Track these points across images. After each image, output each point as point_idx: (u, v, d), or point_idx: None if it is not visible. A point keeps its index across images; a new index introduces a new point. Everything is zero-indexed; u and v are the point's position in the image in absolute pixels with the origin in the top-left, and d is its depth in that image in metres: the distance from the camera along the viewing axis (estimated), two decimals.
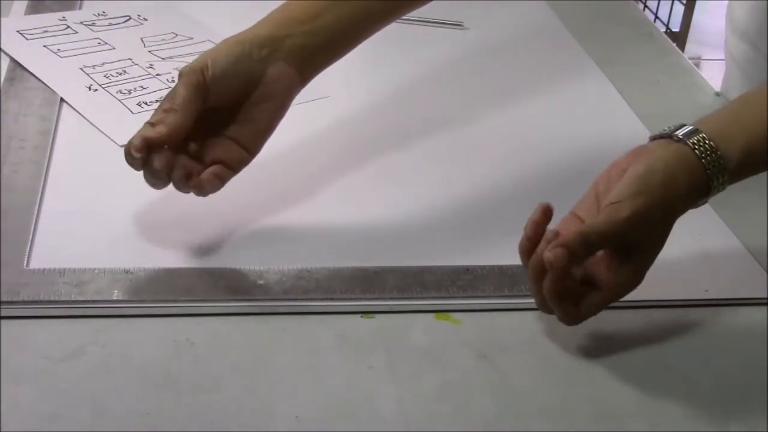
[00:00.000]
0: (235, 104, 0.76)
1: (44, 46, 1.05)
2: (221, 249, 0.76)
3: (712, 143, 0.68)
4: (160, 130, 0.71)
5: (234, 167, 0.76)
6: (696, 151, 0.68)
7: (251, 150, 0.77)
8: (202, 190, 0.74)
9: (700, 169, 0.68)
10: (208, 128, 0.75)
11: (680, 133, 0.69)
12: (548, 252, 0.65)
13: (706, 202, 0.71)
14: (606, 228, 0.66)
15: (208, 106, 0.74)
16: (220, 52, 0.75)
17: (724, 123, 0.70)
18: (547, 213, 0.68)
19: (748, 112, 0.71)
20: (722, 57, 1.09)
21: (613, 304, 0.73)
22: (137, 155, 0.71)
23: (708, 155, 0.68)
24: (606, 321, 0.72)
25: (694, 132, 0.69)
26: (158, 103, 0.94)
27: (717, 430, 0.64)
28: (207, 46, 1.07)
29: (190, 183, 0.73)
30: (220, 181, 0.75)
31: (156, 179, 0.73)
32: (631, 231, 0.66)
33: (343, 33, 0.79)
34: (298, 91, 0.79)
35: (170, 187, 0.80)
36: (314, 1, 0.78)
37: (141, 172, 0.72)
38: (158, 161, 0.71)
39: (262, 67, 0.75)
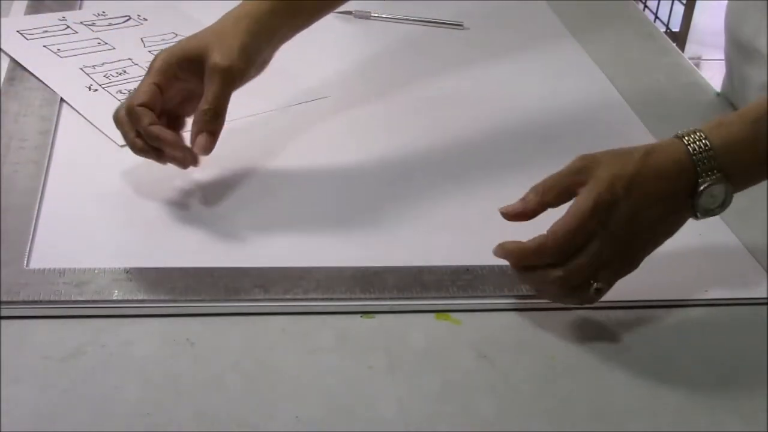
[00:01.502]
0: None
1: (44, 46, 1.05)
2: (221, 249, 0.76)
3: (700, 134, 0.69)
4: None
5: None
6: (683, 139, 0.69)
7: None
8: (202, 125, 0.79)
9: (681, 148, 0.68)
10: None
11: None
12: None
13: (703, 203, 0.69)
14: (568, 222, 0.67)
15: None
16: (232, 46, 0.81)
17: (716, 124, 0.70)
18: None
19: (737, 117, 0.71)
20: (722, 57, 1.09)
21: (613, 304, 0.73)
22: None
23: (689, 135, 0.69)
24: (606, 320, 0.72)
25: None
26: None
27: (717, 429, 0.64)
28: None
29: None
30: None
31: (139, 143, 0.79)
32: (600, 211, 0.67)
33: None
34: None
35: (172, 188, 0.80)
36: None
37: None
38: (146, 117, 0.78)
39: (271, 52, 0.86)
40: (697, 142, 0.68)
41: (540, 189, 0.70)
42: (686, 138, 0.69)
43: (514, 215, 0.70)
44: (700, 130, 0.69)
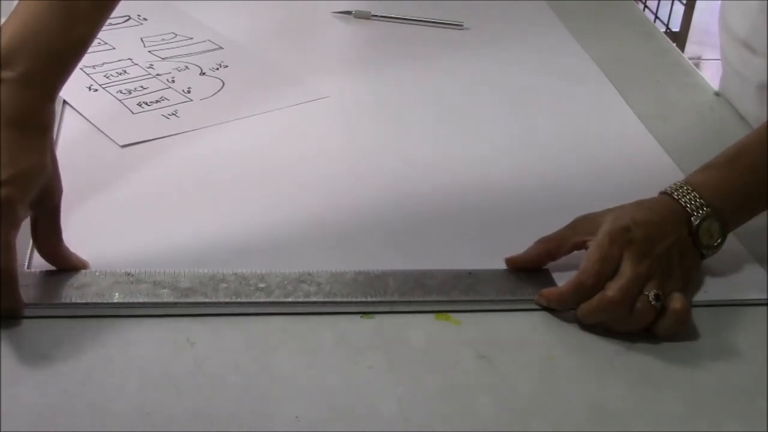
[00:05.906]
0: None
1: None
2: (223, 252, 0.76)
3: (679, 184, 0.75)
4: None
5: None
6: (666, 190, 0.75)
7: None
8: None
9: (668, 198, 0.74)
10: None
11: None
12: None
13: (703, 240, 0.74)
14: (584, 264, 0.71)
15: None
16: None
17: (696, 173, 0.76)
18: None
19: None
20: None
21: None
22: None
23: (677, 189, 0.74)
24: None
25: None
26: (158, 103, 0.96)
27: (716, 430, 0.64)
28: (207, 46, 1.08)
29: None
30: None
31: None
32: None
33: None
34: None
35: (174, 189, 0.80)
36: None
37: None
38: None
39: None
40: (679, 189, 0.74)
41: (543, 239, 0.75)
42: (668, 188, 0.75)
43: (517, 262, 0.75)
44: (679, 182, 0.75)
